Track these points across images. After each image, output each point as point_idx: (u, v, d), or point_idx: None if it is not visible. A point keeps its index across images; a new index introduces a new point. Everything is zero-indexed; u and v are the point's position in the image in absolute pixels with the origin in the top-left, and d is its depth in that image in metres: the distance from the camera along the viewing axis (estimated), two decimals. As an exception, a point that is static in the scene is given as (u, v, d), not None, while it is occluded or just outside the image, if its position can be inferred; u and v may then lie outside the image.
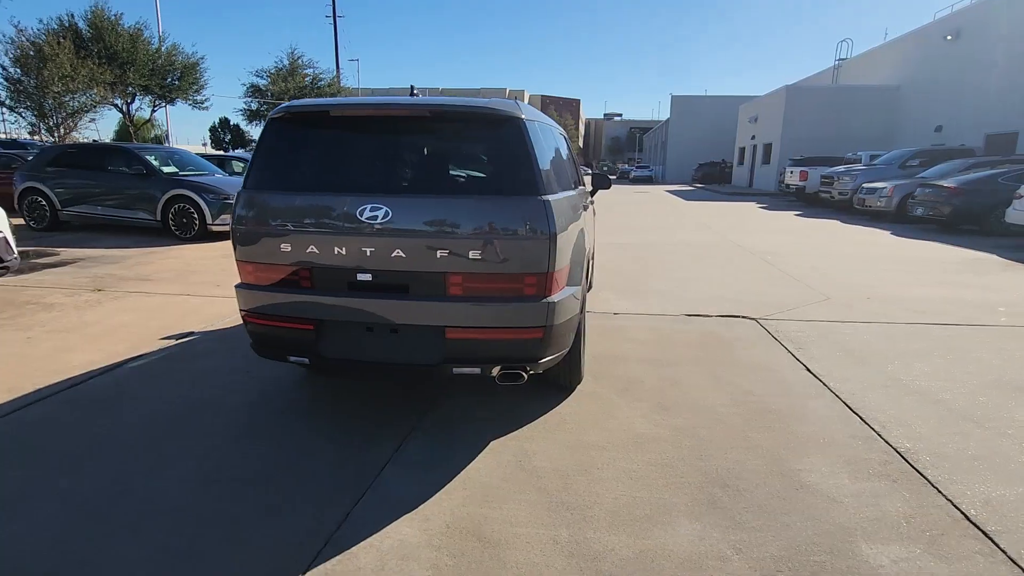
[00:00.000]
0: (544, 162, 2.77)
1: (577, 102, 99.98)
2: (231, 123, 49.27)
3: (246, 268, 2.85)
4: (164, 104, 27.06)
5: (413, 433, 2.96)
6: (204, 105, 28.06)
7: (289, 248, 2.72)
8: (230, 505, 2.35)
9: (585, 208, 4.03)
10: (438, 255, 2.60)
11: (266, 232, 2.75)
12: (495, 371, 2.71)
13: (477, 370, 2.71)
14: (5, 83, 20.30)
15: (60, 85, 19.82)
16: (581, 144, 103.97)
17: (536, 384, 3.54)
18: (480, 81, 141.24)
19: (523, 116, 2.67)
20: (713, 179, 39.25)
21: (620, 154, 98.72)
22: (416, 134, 2.73)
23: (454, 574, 1.98)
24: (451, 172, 2.68)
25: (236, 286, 2.91)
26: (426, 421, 3.10)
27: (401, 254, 2.62)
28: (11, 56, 19.95)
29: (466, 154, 2.72)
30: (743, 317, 5.24)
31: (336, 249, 2.66)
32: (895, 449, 2.84)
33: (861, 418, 3.18)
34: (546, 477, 2.59)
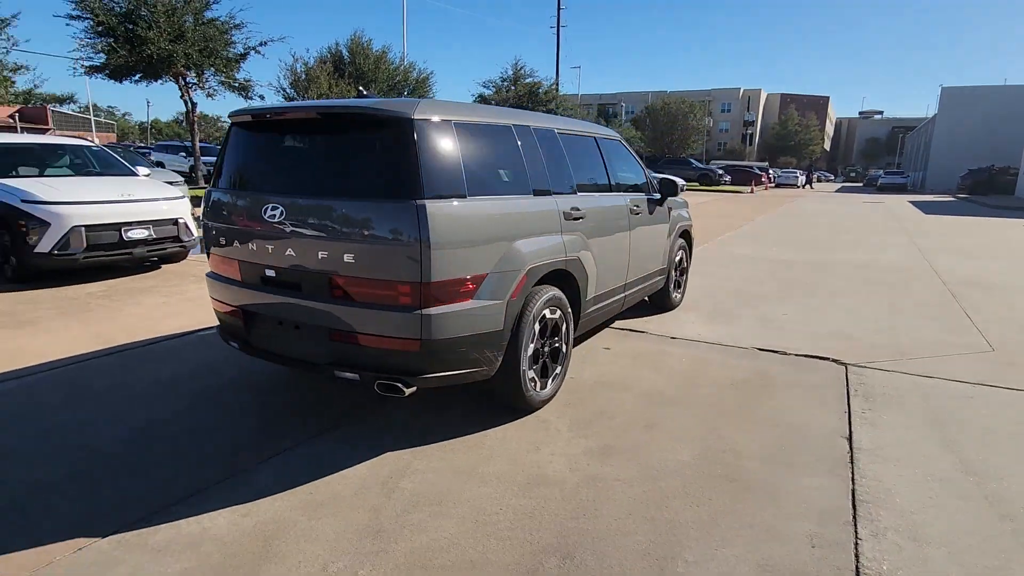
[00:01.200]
0: (442, 165, 2.57)
1: (825, 99, 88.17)
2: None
3: (210, 257, 3.20)
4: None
5: (328, 432, 3.00)
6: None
7: (225, 241, 2.98)
8: (125, 454, 2.68)
9: (597, 218, 3.63)
10: (319, 256, 2.60)
11: (214, 226, 3.05)
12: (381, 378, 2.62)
13: (356, 376, 2.65)
14: (284, 102, 25.51)
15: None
16: (827, 147, 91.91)
17: (487, 401, 3.31)
18: (712, 82, 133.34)
19: (413, 116, 2.51)
20: (986, 189, 31.40)
21: (876, 159, 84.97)
22: (313, 135, 2.76)
23: (205, 571, 1.98)
24: (338, 173, 2.65)
25: (206, 274, 3.29)
26: (352, 421, 3.12)
27: (292, 253, 2.68)
28: (288, 80, 25.01)
29: (353, 155, 2.65)
30: (831, 360, 4.17)
31: (251, 245, 2.84)
32: (858, 569, 2.02)
33: (855, 516, 2.33)
34: (396, 499, 2.42)
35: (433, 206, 2.47)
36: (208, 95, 23.26)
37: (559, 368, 3.41)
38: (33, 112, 42.01)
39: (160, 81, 21.26)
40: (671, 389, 3.62)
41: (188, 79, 21.11)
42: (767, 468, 2.69)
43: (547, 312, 3.19)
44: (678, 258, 5.45)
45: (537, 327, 3.11)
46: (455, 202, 2.59)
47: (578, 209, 3.47)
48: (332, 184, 2.63)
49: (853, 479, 2.60)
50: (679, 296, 5.64)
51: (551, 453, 2.82)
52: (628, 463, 2.73)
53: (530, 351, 3.07)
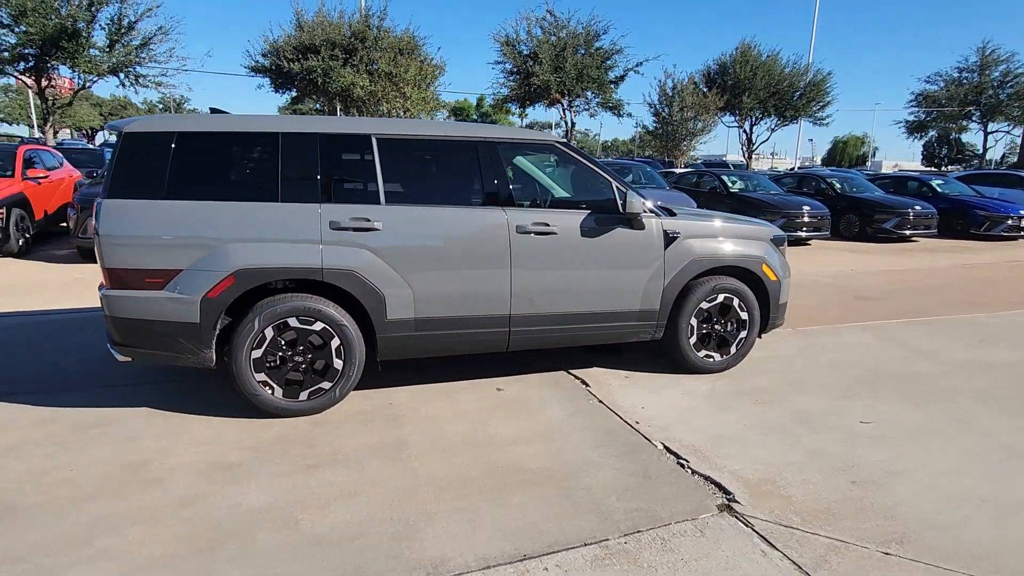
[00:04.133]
0: (140, 169, 2.95)
1: None
2: (951, 136, 40.50)
3: None
4: (787, 123, 28.05)
5: (153, 384, 3.71)
6: (825, 121, 27.89)
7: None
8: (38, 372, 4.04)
9: (417, 231, 3.28)
10: (103, 240, 3.35)
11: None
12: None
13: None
14: (654, 117, 26.33)
15: (679, 115, 24.32)
16: None
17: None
18: None
19: (124, 129, 2.96)
20: None
21: None
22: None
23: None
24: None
25: None
26: (169, 383, 3.72)
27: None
28: (658, 95, 25.66)
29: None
30: (725, 496, 2.52)
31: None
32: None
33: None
34: (56, 437, 2.95)
35: (110, 204, 2.91)
36: (591, 115, 26.30)
37: (328, 384, 3.25)
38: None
39: (557, 107, 25.14)
40: (410, 448, 2.96)
41: (568, 102, 24.20)
42: (272, 543, 2.13)
43: (292, 321, 3.13)
44: (708, 304, 3.94)
45: (270, 333, 3.11)
46: (144, 203, 2.95)
47: (366, 220, 3.19)
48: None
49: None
50: (716, 357, 4.05)
51: (225, 453, 2.84)
52: (216, 493, 2.56)
53: (254, 355, 3.10)
